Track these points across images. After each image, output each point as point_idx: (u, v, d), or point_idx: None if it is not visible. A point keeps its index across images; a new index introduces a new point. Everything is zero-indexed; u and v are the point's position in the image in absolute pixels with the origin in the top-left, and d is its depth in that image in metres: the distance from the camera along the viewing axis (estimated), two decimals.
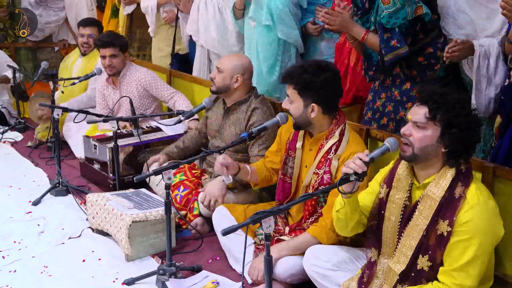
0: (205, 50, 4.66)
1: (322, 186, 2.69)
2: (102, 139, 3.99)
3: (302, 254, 2.62)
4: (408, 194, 2.26)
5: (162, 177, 2.66)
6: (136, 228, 3.00)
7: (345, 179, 2.16)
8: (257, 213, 2.08)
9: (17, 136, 5.26)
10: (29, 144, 4.98)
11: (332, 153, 2.71)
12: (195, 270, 2.92)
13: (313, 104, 2.70)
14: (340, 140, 2.72)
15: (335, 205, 2.37)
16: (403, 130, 2.20)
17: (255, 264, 2.75)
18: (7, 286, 2.82)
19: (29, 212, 3.64)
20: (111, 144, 3.62)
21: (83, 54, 5.04)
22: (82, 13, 6.33)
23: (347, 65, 3.73)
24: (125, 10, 5.68)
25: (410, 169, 2.28)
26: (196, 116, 4.09)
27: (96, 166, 4.01)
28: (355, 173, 2.14)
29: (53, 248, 3.19)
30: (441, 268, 2.14)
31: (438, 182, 2.16)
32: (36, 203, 3.76)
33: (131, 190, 3.49)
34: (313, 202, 2.77)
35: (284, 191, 2.91)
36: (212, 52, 4.61)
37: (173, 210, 2.95)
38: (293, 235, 2.80)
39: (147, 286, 2.80)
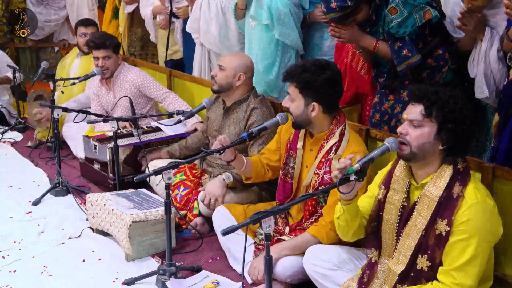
0: (205, 50, 4.66)
1: (323, 186, 2.69)
2: (102, 139, 3.99)
3: (302, 254, 2.62)
4: (406, 195, 2.27)
5: (162, 177, 2.66)
6: (136, 228, 3.00)
7: (345, 179, 2.17)
8: (257, 213, 2.08)
9: (17, 136, 5.26)
10: (29, 144, 4.98)
11: (333, 153, 2.72)
12: (195, 270, 2.92)
13: (314, 103, 2.70)
14: (340, 140, 2.73)
15: (335, 212, 2.37)
16: (399, 129, 2.21)
17: (255, 264, 2.76)
18: (7, 286, 2.82)
19: (29, 212, 3.65)
20: (111, 144, 3.62)
21: (86, 54, 5.03)
22: (83, 13, 6.33)
23: (346, 64, 3.73)
24: (126, 9, 5.67)
25: (407, 169, 2.29)
26: (199, 119, 4.10)
27: (96, 166, 4.01)
28: (355, 173, 2.14)
29: (53, 248, 3.19)
30: (440, 268, 2.14)
31: (436, 182, 2.17)
32: (36, 203, 3.76)
33: (131, 190, 3.49)
34: (313, 202, 2.77)
35: (285, 191, 2.92)
36: (213, 51, 4.60)
37: (173, 210, 2.95)
38: (293, 235, 2.80)
39: (147, 286, 2.80)
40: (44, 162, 4.53)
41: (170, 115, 4.29)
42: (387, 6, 2.96)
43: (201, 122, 4.06)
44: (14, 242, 3.25)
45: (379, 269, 2.33)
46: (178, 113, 3.63)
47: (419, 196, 2.21)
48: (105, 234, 3.26)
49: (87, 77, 4.22)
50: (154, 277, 2.81)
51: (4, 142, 5.09)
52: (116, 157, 3.57)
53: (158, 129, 4.22)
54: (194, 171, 3.57)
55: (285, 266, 2.66)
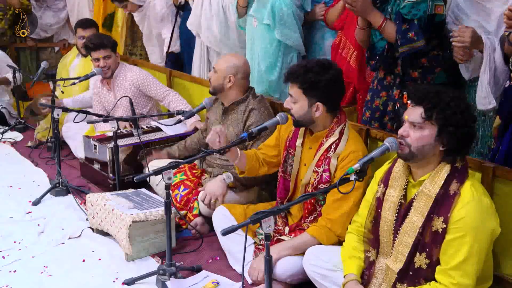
0: (204, 50, 4.66)
1: (322, 185, 2.70)
2: (102, 139, 3.99)
3: (302, 254, 2.62)
4: (404, 193, 2.27)
5: (162, 177, 2.66)
6: (136, 228, 3.00)
7: (345, 179, 2.17)
8: (257, 213, 2.08)
9: (17, 136, 5.26)
10: (29, 144, 4.98)
11: (332, 151, 2.72)
12: (195, 270, 2.92)
13: (318, 103, 2.70)
14: (339, 139, 2.73)
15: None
16: (400, 131, 2.22)
17: (255, 264, 2.75)
18: (7, 286, 2.82)
19: (29, 212, 3.65)
20: (111, 144, 3.62)
21: (84, 56, 5.04)
22: (83, 13, 6.33)
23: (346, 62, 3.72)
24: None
25: (406, 167, 2.29)
26: (198, 118, 4.10)
27: (96, 166, 4.01)
28: (355, 173, 2.15)
29: (53, 248, 3.19)
30: (438, 267, 2.14)
31: (433, 179, 2.17)
32: (36, 203, 3.77)
33: (131, 190, 3.49)
34: (312, 201, 2.77)
35: (285, 188, 2.92)
36: (213, 50, 4.60)
37: (173, 210, 2.95)
38: (293, 235, 2.80)
39: (147, 286, 2.80)
40: (44, 162, 4.53)
41: (170, 115, 4.29)
42: None
43: (200, 121, 4.06)
44: (14, 242, 3.25)
45: (378, 268, 2.34)
46: (178, 113, 3.63)
47: (416, 193, 2.21)
48: (105, 234, 3.26)
49: (87, 77, 4.22)
50: (154, 277, 2.81)
51: (4, 142, 5.10)
52: (116, 157, 3.57)
53: (158, 129, 4.22)
54: (194, 171, 3.57)
55: (285, 267, 2.66)
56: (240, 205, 3.08)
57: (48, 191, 3.87)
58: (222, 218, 2.97)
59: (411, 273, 2.21)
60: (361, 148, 2.72)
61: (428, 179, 2.19)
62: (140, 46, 5.69)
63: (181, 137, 4.06)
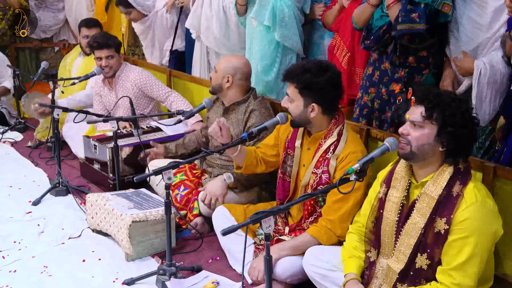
0: (204, 51, 4.65)
1: (321, 186, 2.69)
2: (102, 139, 3.99)
3: (302, 254, 2.62)
4: (406, 193, 2.27)
5: (162, 177, 2.66)
6: (136, 228, 3.00)
7: (345, 179, 2.17)
8: (257, 213, 2.08)
9: (17, 136, 5.26)
10: (29, 144, 4.98)
11: (330, 152, 2.71)
12: (195, 270, 2.92)
13: (313, 104, 2.70)
14: (338, 140, 2.72)
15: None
16: (401, 129, 2.22)
17: (255, 264, 2.75)
18: (7, 286, 2.82)
19: (29, 212, 3.64)
20: (111, 144, 3.62)
21: (87, 55, 5.03)
22: (82, 13, 6.32)
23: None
24: None
25: (408, 168, 2.29)
26: (199, 118, 4.10)
27: (96, 166, 4.01)
28: (355, 173, 2.14)
29: (53, 248, 3.19)
30: (439, 268, 2.14)
31: (436, 181, 2.17)
32: (36, 203, 3.76)
33: (131, 190, 3.49)
34: (312, 202, 2.77)
35: (284, 190, 2.92)
36: (212, 51, 4.60)
37: (173, 210, 2.95)
38: (293, 235, 2.80)
39: (147, 286, 2.80)
40: (44, 162, 4.53)
41: (170, 115, 4.29)
42: None
43: (201, 121, 4.06)
44: (14, 242, 3.25)
45: (378, 269, 2.33)
46: (178, 113, 3.63)
47: (419, 195, 2.21)
48: (105, 234, 3.26)
49: (87, 77, 4.21)
50: (154, 277, 2.81)
51: (4, 142, 5.09)
52: (116, 157, 3.57)
53: (158, 129, 4.22)
54: (194, 171, 3.57)
55: (285, 267, 2.66)
56: (240, 205, 3.08)
57: (48, 191, 3.87)
58: (222, 218, 2.97)
59: (412, 273, 2.21)
60: (360, 149, 2.72)
61: (431, 181, 2.18)
62: (142, 46, 5.69)
63: (181, 137, 4.05)
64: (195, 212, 3.30)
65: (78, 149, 4.41)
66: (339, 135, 2.73)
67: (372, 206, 2.40)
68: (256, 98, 3.40)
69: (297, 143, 2.85)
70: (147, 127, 4.28)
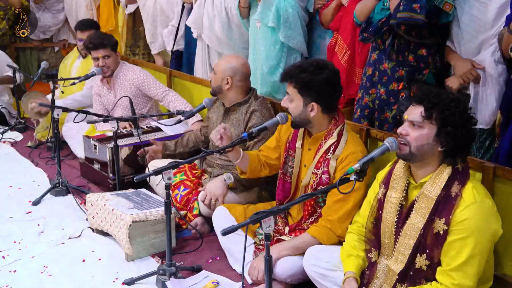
0: (205, 51, 4.65)
1: (321, 186, 2.69)
2: (102, 139, 3.99)
3: (302, 254, 2.62)
4: (405, 194, 2.27)
5: (162, 177, 2.66)
6: (136, 228, 3.00)
7: (345, 179, 2.17)
8: (257, 213, 2.08)
9: (17, 136, 5.27)
10: (29, 144, 4.98)
11: (331, 153, 2.71)
12: (195, 270, 2.92)
13: (313, 103, 2.70)
14: (338, 141, 2.72)
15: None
16: (399, 129, 2.22)
17: (255, 264, 2.75)
18: (7, 286, 2.82)
19: (29, 212, 3.65)
20: (111, 144, 3.62)
21: (84, 57, 5.04)
22: (81, 13, 6.33)
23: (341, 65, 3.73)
24: (127, 10, 5.66)
25: (407, 169, 2.29)
26: (199, 118, 4.10)
27: (96, 166, 4.01)
28: (355, 173, 2.14)
29: (53, 248, 3.19)
30: (439, 268, 2.14)
31: (434, 181, 2.17)
32: (36, 203, 3.77)
33: (131, 190, 3.49)
34: (312, 202, 2.77)
35: (284, 190, 2.92)
36: (214, 51, 4.59)
37: (173, 210, 2.95)
38: (293, 235, 2.80)
39: (147, 286, 2.80)
40: (44, 162, 4.53)
41: (170, 115, 4.29)
42: None
43: (201, 120, 4.06)
44: (14, 242, 3.25)
45: (379, 269, 2.33)
46: (178, 113, 3.63)
47: (418, 195, 2.21)
48: (105, 234, 3.26)
49: (87, 77, 4.22)
50: (154, 277, 2.81)
51: (4, 142, 5.10)
52: (116, 157, 3.57)
53: (158, 129, 4.22)
54: (194, 171, 3.57)
55: (285, 266, 2.66)
56: (240, 205, 3.08)
57: (48, 191, 3.87)
58: (222, 218, 2.97)
59: (411, 273, 2.21)
60: (360, 150, 2.72)
61: (429, 181, 2.18)
62: (142, 46, 5.69)
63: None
64: (195, 212, 3.30)
65: (78, 149, 4.41)
66: (339, 135, 2.73)
67: (371, 207, 2.40)
68: (257, 99, 3.40)
69: (298, 143, 2.85)
70: (147, 127, 4.28)
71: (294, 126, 2.82)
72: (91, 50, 4.27)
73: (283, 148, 2.95)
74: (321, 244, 2.65)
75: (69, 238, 3.30)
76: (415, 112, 2.18)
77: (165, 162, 3.59)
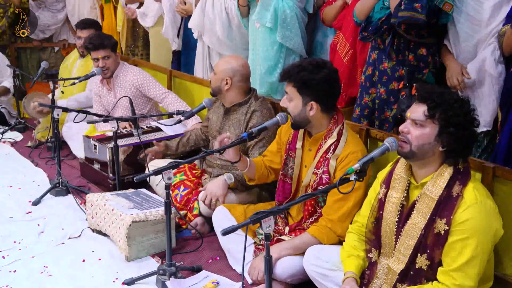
0: (206, 52, 4.65)
1: (321, 186, 2.69)
2: (102, 139, 3.99)
3: (302, 254, 2.62)
4: (405, 194, 2.27)
5: (162, 177, 2.66)
6: (136, 228, 3.00)
7: (345, 179, 2.17)
8: (257, 213, 2.08)
9: (17, 136, 5.27)
10: (29, 144, 4.98)
11: (331, 153, 2.71)
12: (195, 270, 2.92)
13: (312, 102, 2.70)
14: (338, 140, 2.72)
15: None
16: (401, 127, 2.21)
17: (255, 264, 2.75)
18: (7, 286, 2.82)
19: (29, 212, 3.65)
20: (111, 144, 3.62)
21: (82, 56, 5.04)
22: (84, 13, 6.32)
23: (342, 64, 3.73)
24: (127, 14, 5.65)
25: (408, 168, 2.29)
26: (198, 120, 4.10)
27: (96, 166, 4.01)
28: (355, 173, 2.14)
29: (53, 248, 3.19)
30: (440, 269, 2.14)
31: (435, 181, 2.17)
32: (36, 203, 3.76)
33: (131, 190, 3.49)
34: (312, 202, 2.77)
35: (284, 191, 2.91)
36: (214, 52, 4.59)
37: (173, 210, 2.95)
38: (293, 235, 2.80)
39: (147, 286, 2.80)
40: (44, 162, 4.53)
41: (170, 115, 4.29)
42: None
43: (201, 123, 4.06)
44: (14, 242, 3.25)
45: (379, 269, 2.33)
46: (178, 113, 3.63)
47: (419, 195, 2.21)
48: (105, 234, 3.26)
49: (87, 77, 4.22)
50: (154, 277, 2.81)
51: (4, 142, 5.10)
52: (116, 157, 3.57)
53: (158, 129, 4.22)
54: (194, 171, 3.57)
55: (285, 266, 2.66)
56: (240, 205, 3.08)
57: (48, 191, 3.87)
58: (222, 218, 2.97)
59: (412, 273, 2.21)
60: (360, 149, 2.72)
61: (430, 181, 2.18)
62: (141, 46, 5.69)
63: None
64: (195, 212, 3.30)
65: (78, 149, 4.41)
66: (339, 135, 2.73)
67: (372, 207, 2.39)
68: (257, 99, 3.40)
69: (298, 144, 2.85)
70: (147, 127, 4.28)
71: (294, 127, 2.82)
72: (90, 51, 4.27)
73: (284, 150, 2.95)
74: (321, 243, 2.65)
75: (69, 238, 3.30)
76: (418, 111, 2.17)
77: (165, 162, 3.60)
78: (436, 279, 2.15)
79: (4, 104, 5.63)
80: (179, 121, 3.57)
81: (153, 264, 3.00)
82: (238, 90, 3.38)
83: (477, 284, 2.12)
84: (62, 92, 4.79)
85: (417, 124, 2.17)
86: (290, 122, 2.84)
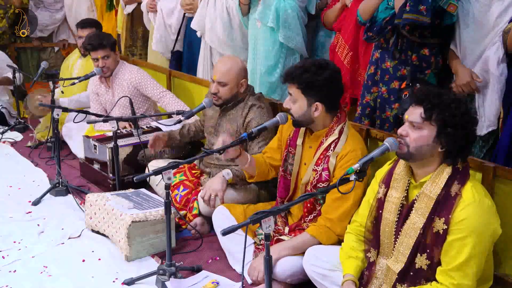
0: (208, 52, 4.65)
1: (321, 183, 2.70)
2: (102, 139, 3.99)
3: (302, 254, 2.62)
4: (405, 194, 2.27)
5: (162, 177, 2.66)
6: (135, 228, 3.00)
7: (345, 179, 2.17)
8: (257, 213, 2.08)
9: (17, 136, 5.26)
10: (29, 144, 4.98)
11: (331, 150, 2.72)
12: (195, 270, 2.92)
13: (317, 103, 2.70)
14: (339, 138, 2.73)
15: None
16: (399, 130, 2.22)
17: (255, 264, 2.75)
18: (7, 286, 2.82)
19: (29, 212, 3.64)
20: (111, 144, 3.62)
21: (83, 55, 5.04)
22: (81, 13, 6.33)
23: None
24: (126, 10, 5.66)
25: (407, 168, 2.29)
26: (196, 117, 4.09)
27: (96, 166, 4.01)
28: (355, 173, 2.14)
29: (53, 248, 3.19)
30: (438, 268, 2.14)
31: (434, 181, 2.17)
32: (36, 203, 3.76)
33: (131, 190, 3.49)
34: (312, 200, 2.77)
35: (286, 188, 2.92)
36: (216, 52, 4.59)
37: (173, 210, 2.94)
38: (292, 235, 2.80)
39: (147, 286, 2.80)
40: (44, 162, 4.53)
41: (170, 115, 4.29)
42: None
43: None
44: (14, 242, 3.25)
45: (378, 269, 2.33)
46: (178, 113, 3.63)
47: (418, 195, 2.21)
48: (103, 234, 3.26)
49: (87, 77, 4.22)
50: (154, 277, 2.81)
51: (4, 142, 5.09)
52: (116, 157, 3.57)
53: (157, 129, 4.21)
54: (193, 172, 3.57)
55: (285, 266, 2.66)
56: (240, 205, 3.08)
57: (48, 191, 3.87)
58: (222, 218, 2.97)
59: (411, 273, 2.21)
60: (360, 147, 2.72)
61: (429, 181, 2.18)
62: (140, 46, 5.69)
63: None
64: (195, 212, 3.30)
65: (78, 149, 4.41)
66: (340, 133, 2.74)
67: (371, 206, 2.39)
68: (254, 94, 3.41)
69: (299, 141, 2.86)
70: (146, 127, 4.28)
71: (296, 125, 2.82)
72: (90, 51, 4.27)
73: (284, 145, 2.95)
74: (320, 243, 2.65)
75: (69, 238, 3.30)
76: (415, 113, 2.18)
77: (165, 162, 3.60)
78: (436, 280, 2.15)
79: (4, 104, 5.64)
80: (179, 121, 3.56)
81: (153, 264, 3.00)
82: (246, 88, 3.39)
83: (475, 283, 2.12)
84: (62, 92, 4.79)
85: (415, 127, 2.17)
86: (291, 120, 2.84)
